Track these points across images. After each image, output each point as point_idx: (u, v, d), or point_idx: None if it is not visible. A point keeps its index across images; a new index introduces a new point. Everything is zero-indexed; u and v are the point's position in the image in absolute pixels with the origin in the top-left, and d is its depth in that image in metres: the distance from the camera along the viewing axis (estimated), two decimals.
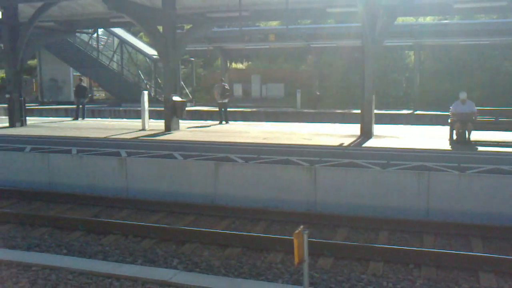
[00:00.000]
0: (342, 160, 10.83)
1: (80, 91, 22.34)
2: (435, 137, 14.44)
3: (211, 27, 21.34)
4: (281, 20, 26.69)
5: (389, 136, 14.70)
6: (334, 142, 13.73)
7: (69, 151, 12.33)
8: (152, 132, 16.19)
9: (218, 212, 9.74)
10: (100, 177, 11.49)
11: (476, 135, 13.39)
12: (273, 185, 10.21)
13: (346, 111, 27.10)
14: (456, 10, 18.49)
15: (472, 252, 7.46)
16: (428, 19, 33.00)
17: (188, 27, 21.04)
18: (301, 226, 4.94)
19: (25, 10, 19.04)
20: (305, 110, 28.06)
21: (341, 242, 7.87)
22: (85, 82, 26.80)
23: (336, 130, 16.62)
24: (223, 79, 20.18)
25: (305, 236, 4.82)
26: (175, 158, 11.36)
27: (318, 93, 30.48)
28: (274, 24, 36.17)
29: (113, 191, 11.25)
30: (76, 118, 22.12)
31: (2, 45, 18.76)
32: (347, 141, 13.76)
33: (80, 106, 22.27)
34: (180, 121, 17.25)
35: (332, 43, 30.00)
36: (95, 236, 8.57)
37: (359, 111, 15.19)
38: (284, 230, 8.79)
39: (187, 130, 16.95)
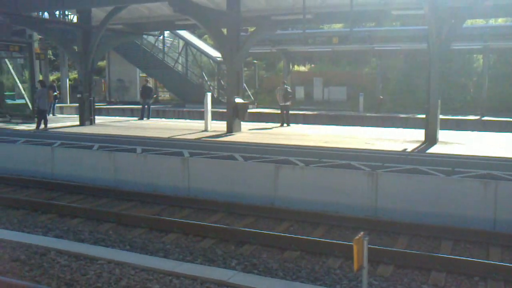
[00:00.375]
0: (405, 166, 10.59)
1: (146, 92, 23.01)
2: (504, 145, 13.86)
3: (275, 30, 21.42)
4: (345, 22, 26.44)
5: (455, 143, 14.24)
6: (397, 147, 13.46)
7: (134, 150, 12.73)
8: (214, 133, 16.44)
9: (277, 215, 9.77)
10: (163, 176, 11.79)
11: None
12: (333, 189, 10.13)
13: (409, 115, 26.46)
14: None
15: None
16: (500, 21, 31.70)
17: (252, 29, 21.24)
18: (361, 232, 4.89)
19: (97, 14, 19.84)
20: (368, 114, 27.64)
21: (401, 250, 7.71)
22: (150, 83, 27.56)
23: (399, 135, 16.27)
24: (286, 81, 20.20)
25: (365, 243, 4.76)
26: (236, 159, 11.49)
27: (381, 97, 29.95)
28: (337, 26, 35.87)
29: (175, 190, 11.52)
30: (141, 118, 22.79)
31: (76, 47, 19.62)
32: (410, 147, 13.44)
33: (146, 106, 22.93)
34: (242, 122, 17.42)
35: (397, 46, 29.38)
36: (157, 233, 8.81)
37: (423, 116, 14.81)
38: (344, 235, 8.71)
39: (249, 132, 17.10)
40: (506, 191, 8.95)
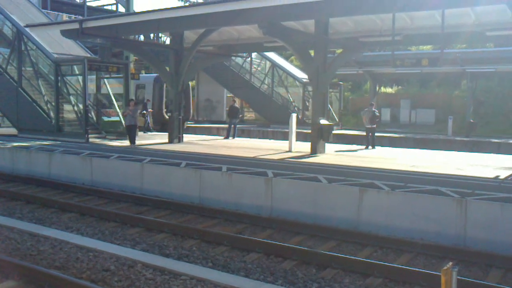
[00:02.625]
0: (497, 194, 10.05)
1: (233, 112, 23.55)
2: None
3: (362, 52, 21.28)
4: (435, 44, 25.73)
5: None
6: (489, 173, 12.81)
7: (219, 169, 13.03)
8: (298, 154, 16.48)
9: (361, 239, 9.59)
10: (247, 195, 11.96)
11: None
12: (420, 215, 9.79)
13: (502, 140, 25.14)
14: None
15: None
16: None
17: (339, 51, 21.21)
18: (450, 263, 4.70)
19: (189, 36, 20.68)
20: (457, 138, 26.57)
21: (493, 284, 7.29)
22: (237, 103, 28.17)
23: (492, 161, 15.48)
24: (373, 103, 19.93)
25: (454, 274, 4.57)
26: (320, 181, 11.44)
27: (472, 120, 28.72)
28: (426, 48, 34.99)
29: (258, 209, 11.64)
30: (227, 137, 23.31)
31: (168, 67, 20.54)
32: (504, 174, 12.75)
33: (232, 125, 23.43)
34: (326, 144, 17.35)
35: (491, 68, 28.15)
36: (238, 252, 8.92)
37: None
38: (430, 264, 8.39)
39: (333, 154, 16.99)
40: None
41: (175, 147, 18.62)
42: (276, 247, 8.86)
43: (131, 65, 22.25)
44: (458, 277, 4.64)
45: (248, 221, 10.93)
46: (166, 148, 17.98)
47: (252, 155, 16.17)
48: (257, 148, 18.78)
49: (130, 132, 18.88)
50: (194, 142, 20.61)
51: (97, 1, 23.28)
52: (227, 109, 25.55)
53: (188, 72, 20.40)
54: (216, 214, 11.49)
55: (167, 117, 25.34)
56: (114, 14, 20.79)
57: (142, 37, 27.02)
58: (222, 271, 7.43)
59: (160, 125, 27.58)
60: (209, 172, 12.77)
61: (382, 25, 17.05)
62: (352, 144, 21.21)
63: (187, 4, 21.41)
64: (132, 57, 22.23)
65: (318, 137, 16.61)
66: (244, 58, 33.14)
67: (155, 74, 28.17)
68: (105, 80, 22.79)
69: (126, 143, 19.08)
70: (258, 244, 9.05)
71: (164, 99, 28.28)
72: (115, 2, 21.28)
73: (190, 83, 28.54)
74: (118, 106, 22.52)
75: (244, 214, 11.36)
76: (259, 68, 36.99)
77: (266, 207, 11.62)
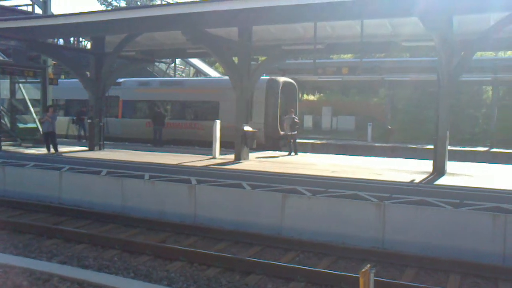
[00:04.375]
0: (413, 197, 10.53)
1: (159, 118, 22.91)
2: None
3: (285, 59, 21.63)
4: (355, 53, 26.65)
5: (463, 174, 14.16)
6: (405, 178, 13.40)
7: (142, 176, 12.77)
8: (223, 161, 16.47)
9: (284, 244, 9.71)
10: (170, 203, 11.79)
11: None
12: (340, 220, 10.07)
13: (418, 146, 26.41)
14: None
15: None
16: (510, 53, 31.82)
17: (263, 58, 21.45)
18: (368, 265, 4.85)
19: (111, 41, 20.16)
20: (376, 144, 27.62)
21: (408, 283, 7.61)
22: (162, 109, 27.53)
23: (408, 166, 16.21)
24: (293, 110, 20.27)
25: (372, 275, 4.72)
26: (244, 187, 11.49)
27: (390, 127, 29.96)
28: (347, 56, 36.16)
29: (182, 217, 11.50)
30: (155, 145, 22.63)
31: (88, 72, 19.89)
32: (418, 178, 13.38)
33: (158, 132, 22.87)
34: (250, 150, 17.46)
35: (406, 77, 29.54)
36: (161, 261, 8.77)
37: (432, 147, 14.77)
38: (350, 267, 8.63)
39: (256, 160, 17.12)
40: None
41: (96, 154, 18.05)
42: (199, 255, 8.79)
43: (49, 70, 21.26)
44: (375, 278, 4.80)
45: (172, 230, 10.78)
46: (87, 156, 17.39)
47: (175, 162, 15.98)
48: (182, 155, 18.56)
49: (47, 140, 18.12)
50: (116, 150, 20.04)
51: (10, 0, 22.03)
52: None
53: (110, 77, 19.88)
54: (139, 223, 11.24)
55: (281, 132, 21.46)
56: (30, 16, 19.81)
57: (61, 41, 25.92)
58: (144, 281, 7.27)
59: (272, 141, 22.68)
60: (131, 180, 12.48)
61: (304, 33, 17.45)
62: (274, 151, 21.45)
63: (109, 8, 20.74)
64: (51, 61, 21.32)
65: (242, 143, 16.69)
66: (168, 64, 32.75)
67: (266, 77, 23.45)
68: (21, 85, 21.74)
69: (44, 150, 18.28)
70: (181, 252, 8.93)
71: (278, 109, 22.53)
72: (31, 2, 20.28)
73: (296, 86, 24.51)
74: (35, 112, 21.54)
75: (167, 222, 11.19)
76: (183, 74, 36.72)
77: (189, 214, 11.51)
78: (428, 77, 25.80)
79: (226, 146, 19.12)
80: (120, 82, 25.83)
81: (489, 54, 31.08)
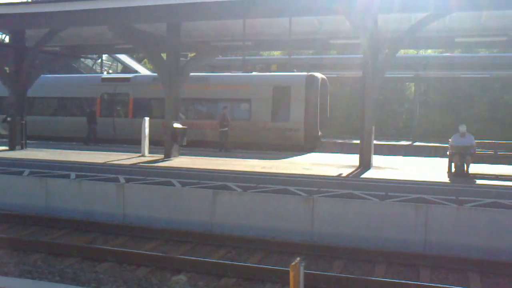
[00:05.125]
0: (341, 191, 10.81)
1: (92, 116, 22.14)
2: (434, 169, 14.41)
3: (215, 56, 21.56)
4: (284, 50, 26.98)
5: (388, 168, 14.70)
6: (333, 172, 13.72)
7: (67, 176, 12.33)
8: (152, 159, 16.19)
9: (215, 241, 9.68)
10: (98, 203, 11.46)
11: (474, 168, 13.37)
12: (271, 214, 10.17)
13: (345, 141, 27.13)
14: (458, 44, 18.76)
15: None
16: (430, 52, 33.38)
17: (192, 55, 21.30)
18: (298, 258, 4.91)
19: (33, 35, 19.27)
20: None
21: (337, 275, 7.81)
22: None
23: (336, 160, 16.61)
24: (226, 106, 20.20)
25: (302, 268, 4.79)
26: (173, 185, 11.35)
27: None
28: (276, 53, 36.56)
29: (110, 217, 11.21)
30: (86, 143, 21.85)
31: (7, 68, 18.90)
32: (346, 172, 13.75)
33: (92, 129, 22.08)
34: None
35: (334, 74, 30.22)
36: (89, 263, 8.50)
37: (358, 142, 15.22)
38: (281, 261, 8.72)
39: (187, 157, 16.95)
40: (435, 214, 9.29)
41: (18, 154, 17.23)
42: (128, 255, 8.59)
43: None
44: (305, 271, 4.87)
45: (100, 230, 10.48)
46: (7, 156, 16.56)
47: (102, 161, 15.54)
48: (109, 153, 18.08)
49: None
50: (39, 149, 19.21)
51: None
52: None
53: (32, 73, 18.99)
54: (65, 224, 10.84)
55: (320, 133, 20.33)
56: None
57: None
58: (70, 284, 7.02)
59: (311, 142, 21.00)
60: (55, 180, 12.02)
61: (234, 30, 17.44)
62: (206, 147, 21.33)
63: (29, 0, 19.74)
64: None
65: (172, 140, 16.48)
66: (94, 60, 31.80)
67: (303, 73, 21.80)
68: None
69: None
70: (110, 252, 8.70)
71: (317, 107, 20.81)
72: None
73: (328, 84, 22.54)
74: None
75: (95, 222, 10.87)
76: (110, 71, 35.76)
77: (118, 214, 11.23)
78: (356, 74, 26.51)
79: (261, 148, 18.32)
80: (129, 78, 24.08)
81: (413, 52, 32.44)
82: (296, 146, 20.31)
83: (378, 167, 14.58)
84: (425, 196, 10.23)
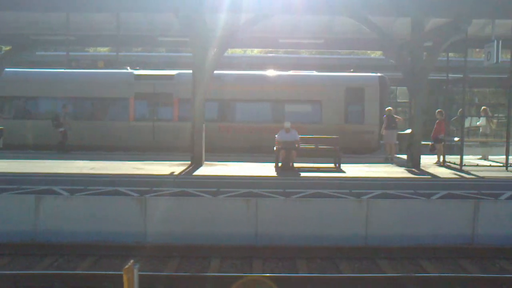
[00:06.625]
0: (174, 189, 10.73)
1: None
2: (263, 165, 15.05)
3: (35, 50, 20.03)
4: (112, 46, 26.12)
5: (219, 164, 15.00)
6: (166, 171, 13.59)
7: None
8: None
9: (39, 251, 8.92)
10: None
11: (299, 162, 14.29)
12: (102, 218, 9.68)
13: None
14: (282, 44, 19.90)
15: (297, 274, 7.85)
16: (256, 52, 34.97)
17: (8, 48, 19.52)
18: (131, 261, 4.77)
19: None
20: None
21: (173, 274, 7.73)
22: None
23: (169, 158, 16.46)
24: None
25: (136, 271, 4.66)
26: None
27: None
28: (104, 50, 35.29)
29: None
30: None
31: None
32: (178, 170, 13.71)
33: None
34: None
35: (168, 72, 30.03)
36: None
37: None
38: (114, 265, 8.37)
39: (3, 161, 15.43)
40: (264, 206, 9.68)
41: None
42: None
43: None
44: (140, 273, 4.73)
45: None
46: None
47: None
48: None
49: None
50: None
51: None
52: None
53: None
54: None
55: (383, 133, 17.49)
56: None
57: None
58: None
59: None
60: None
61: (57, 24, 16.30)
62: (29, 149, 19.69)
63: None
64: None
65: None
66: None
67: (375, 74, 20.48)
68: None
69: None
70: None
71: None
72: None
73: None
74: None
75: None
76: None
77: None
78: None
79: (346, 152, 16.53)
80: (172, 75, 20.68)
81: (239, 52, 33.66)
82: (369, 149, 19.87)
83: (210, 164, 14.80)
84: (254, 190, 10.61)
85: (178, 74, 20.61)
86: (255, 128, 19.71)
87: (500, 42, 13.83)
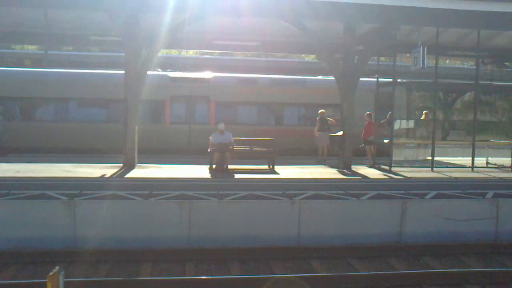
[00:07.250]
0: (104, 192, 10.46)
1: None
2: (197, 166, 14.96)
3: None
4: (40, 44, 25.22)
5: (152, 166, 14.78)
6: (97, 173, 13.24)
7: None
8: None
9: None
10: None
11: (233, 164, 14.32)
12: (28, 223, 9.27)
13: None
14: (216, 45, 19.85)
15: (228, 276, 7.87)
16: (191, 53, 34.78)
17: None
18: (57, 267, 4.62)
19: None
20: None
21: (101, 279, 7.53)
22: None
23: (100, 161, 16.05)
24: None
25: (61, 278, 4.52)
26: None
27: None
28: (32, 48, 34.01)
29: None
30: None
31: None
32: (109, 172, 13.40)
33: None
34: None
35: (99, 71, 29.30)
36: None
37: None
38: (39, 272, 8.03)
39: None
40: (198, 209, 9.61)
41: None
42: None
43: None
44: (66, 279, 4.60)
45: None
46: None
47: None
48: None
49: None
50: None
51: None
52: None
53: None
54: None
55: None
56: None
57: None
58: None
59: None
60: None
61: None
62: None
63: None
64: None
65: None
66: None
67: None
68: None
69: None
70: None
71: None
72: None
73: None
74: None
75: None
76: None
77: None
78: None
79: (381, 155, 16.39)
80: (209, 78, 20.61)
81: (174, 53, 33.31)
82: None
83: (143, 166, 14.56)
84: (188, 193, 10.53)
85: (214, 77, 20.90)
86: (289, 131, 20.46)
87: (426, 48, 14.49)
